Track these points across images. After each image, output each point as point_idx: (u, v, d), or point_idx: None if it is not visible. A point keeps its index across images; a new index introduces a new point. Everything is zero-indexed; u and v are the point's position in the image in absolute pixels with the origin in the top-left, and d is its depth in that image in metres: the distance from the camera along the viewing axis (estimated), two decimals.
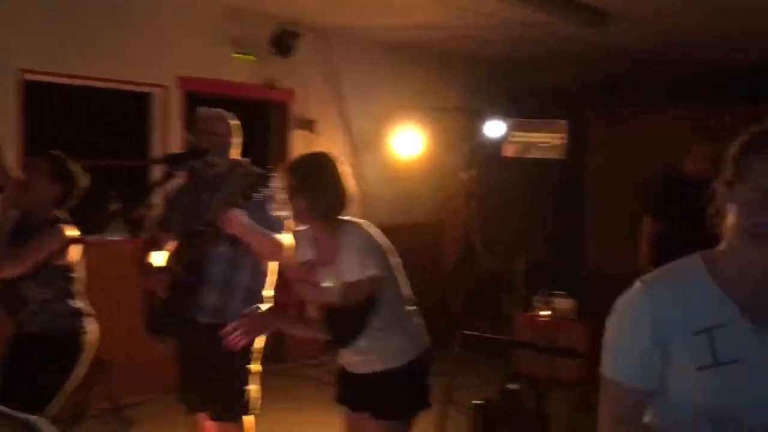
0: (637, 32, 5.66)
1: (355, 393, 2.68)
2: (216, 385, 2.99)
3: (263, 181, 2.71)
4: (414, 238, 6.70)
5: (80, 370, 3.16)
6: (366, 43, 6.42)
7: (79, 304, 3.16)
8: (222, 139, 3.08)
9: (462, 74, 7.19)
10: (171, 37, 5.22)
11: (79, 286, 3.19)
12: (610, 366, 1.45)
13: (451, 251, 6.78)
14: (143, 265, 3.09)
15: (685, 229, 4.10)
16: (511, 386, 3.22)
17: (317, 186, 2.50)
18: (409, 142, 6.38)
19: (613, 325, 1.46)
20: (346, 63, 6.24)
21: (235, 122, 3.17)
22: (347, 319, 2.48)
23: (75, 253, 3.13)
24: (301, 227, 2.67)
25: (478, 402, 3.26)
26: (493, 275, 5.70)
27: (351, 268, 2.45)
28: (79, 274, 3.19)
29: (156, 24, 5.15)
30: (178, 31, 5.25)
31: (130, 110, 5.36)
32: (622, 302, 1.46)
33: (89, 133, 5.23)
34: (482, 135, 6.53)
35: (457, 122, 6.84)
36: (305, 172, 2.53)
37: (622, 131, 6.94)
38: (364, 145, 6.31)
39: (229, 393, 3.01)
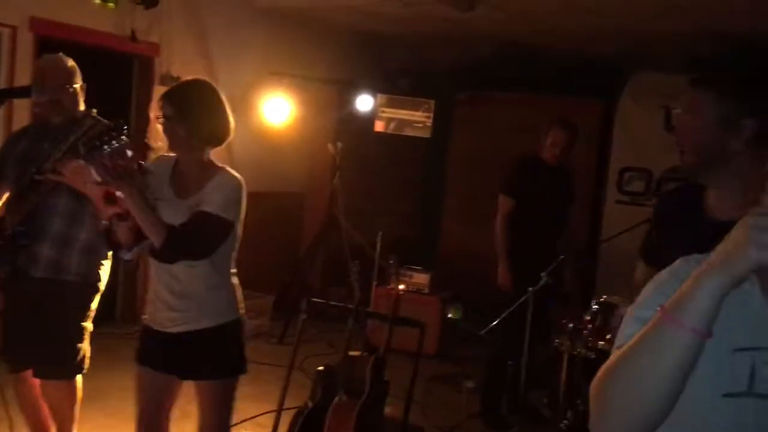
0: (504, 18, 5.86)
1: (163, 353, 2.51)
2: (49, 342, 2.85)
3: (112, 132, 2.55)
4: (278, 206, 6.66)
5: None
6: (237, 3, 6.24)
7: None
8: (61, 88, 2.90)
9: (336, 45, 7.16)
10: None
11: None
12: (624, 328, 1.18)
13: (313, 222, 6.79)
14: None
15: (538, 208, 4.34)
16: (352, 353, 3.29)
17: (199, 112, 2.39)
18: (278, 109, 6.27)
19: (648, 291, 1.21)
20: (215, 21, 6.04)
21: (73, 65, 2.99)
22: (185, 237, 2.34)
23: None
24: (158, 161, 2.54)
25: (320, 368, 3.31)
26: (353, 248, 5.76)
27: (211, 202, 2.37)
28: None
29: None
30: None
31: None
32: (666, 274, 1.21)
33: None
34: (352, 108, 6.56)
35: (328, 93, 6.82)
36: (186, 98, 2.41)
37: (488, 114, 7.19)
38: (232, 108, 6.10)
39: (63, 351, 2.90)
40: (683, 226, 1.70)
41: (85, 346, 2.99)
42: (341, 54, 7.20)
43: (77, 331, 2.94)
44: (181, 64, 5.74)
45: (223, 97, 2.50)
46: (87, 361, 3.01)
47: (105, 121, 2.84)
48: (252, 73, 6.30)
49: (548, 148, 4.37)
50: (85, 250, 2.90)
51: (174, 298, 2.46)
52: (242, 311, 2.60)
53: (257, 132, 6.23)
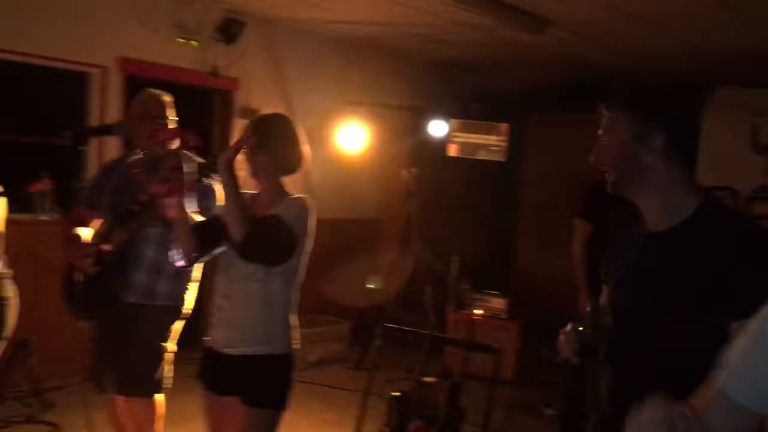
0: (575, 39, 5.81)
1: (220, 374, 2.58)
2: (131, 360, 2.98)
3: (208, 168, 2.70)
4: (354, 232, 6.74)
5: (4, 333, 3.13)
6: (312, 36, 6.42)
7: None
8: (157, 122, 3.07)
9: (408, 72, 7.25)
10: (113, 16, 5.12)
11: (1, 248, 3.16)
12: (732, 383, 1.26)
13: (389, 247, 6.84)
14: (69, 240, 3.03)
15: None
16: (427, 379, 3.28)
17: (278, 144, 2.55)
18: (353, 137, 6.39)
19: (747, 339, 1.28)
20: (291, 54, 6.23)
21: (170, 101, 3.16)
22: (262, 234, 2.42)
23: None
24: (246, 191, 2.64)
25: (395, 393, 3.31)
26: (429, 272, 5.76)
27: (282, 213, 2.49)
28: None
29: (99, 3, 5.05)
30: (120, 11, 5.16)
31: (67, 90, 5.24)
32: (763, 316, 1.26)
33: (23, 111, 5.09)
34: (425, 134, 6.60)
35: (402, 120, 6.90)
36: (268, 129, 2.56)
37: (561, 136, 7.11)
38: (308, 138, 6.27)
39: (144, 369, 3.01)
40: (625, 245, 1.83)
41: (167, 366, 3.10)
42: (414, 81, 7.29)
43: (158, 351, 3.06)
44: (259, 96, 5.94)
45: (299, 130, 2.62)
46: (168, 381, 3.12)
47: (196, 157, 2.99)
48: (327, 103, 6.44)
49: None
50: (174, 276, 3.04)
51: (231, 318, 2.53)
52: (296, 347, 2.61)
53: (333, 160, 6.36)
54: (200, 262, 2.65)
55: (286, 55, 6.20)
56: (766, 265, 1.57)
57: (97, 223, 3.09)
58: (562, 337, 1.84)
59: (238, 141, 2.46)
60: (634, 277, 1.75)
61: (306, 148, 2.62)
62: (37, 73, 5.00)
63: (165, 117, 3.11)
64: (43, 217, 4.94)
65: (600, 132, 1.79)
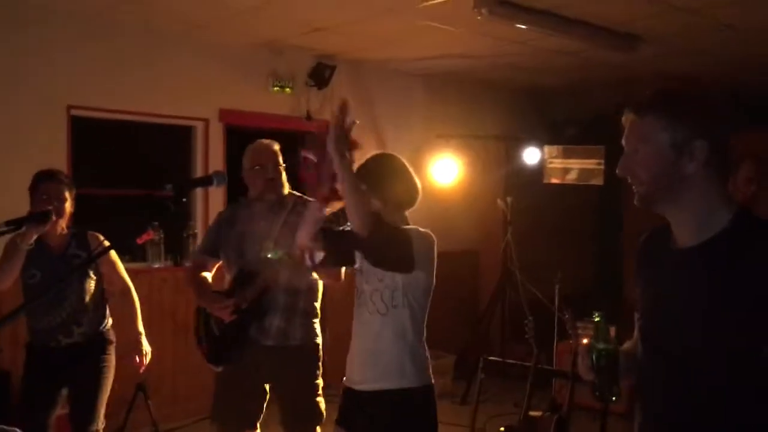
0: (667, 54, 5.64)
1: (353, 413, 2.58)
2: (292, 401, 3.13)
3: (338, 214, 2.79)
4: (453, 265, 6.71)
5: (112, 360, 3.37)
6: (400, 73, 6.52)
7: (107, 315, 3.41)
8: (276, 168, 3.22)
9: (498, 101, 7.23)
10: (212, 72, 5.40)
11: (108, 296, 3.40)
12: None
13: (489, 279, 6.76)
14: (202, 290, 3.20)
15: None
16: (533, 413, 3.20)
17: (387, 182, 2.55)
18: (446, 169, 6.42)
19: None
20: (380, 93, 6.35)
21: (279, 149, 3.30)
22: (387, 234, 2.39)
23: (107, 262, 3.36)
24: None
25: (502, 429, 3.24)
26: (532, 302, 5.65)
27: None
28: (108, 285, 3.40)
29: (198, 60, 5.34)
30: (219, 66, 5.44)
31: (174, 143, 5.54)
32: None
33: (134, 166, 5.42)
34: (519, 162, 6.54)
35: (494, 149, 6.86)
36: (373, 171, 2.56)
37: None
38: None
39: (304, 407, 3.15)
40: (652, 265, 1.68)
41: (321, 399, 3.24)
42: (505, 109, 7.25)
43: (312, 388, 3.21)
44: (352, 136, 6.06)
45: (405, 162, 2.63)
46: (323, 412, 3.25)
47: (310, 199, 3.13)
48: (418, 137, 6.51)
49: (741, 185, 3.96)
50: (304, 316, 3.18)
51: (364, 353, 2.55)
52: (431, 379, 2.57)
53: (427, 194, 6.29)
54: (329, 267, 2.73)
55: (376, 93, 6.33)
56: None
57: (215, 267, 3.30)
58: (579, 355, 1.75)
59: (337, 122, 2.38)
60: (669, 303, 1.60)
61: (416, 179, 2.62)
62: (146, 130, 5.33)
63: (277, 164, 3.23)
64: (156, 265, 5.20)
65: (627, 139, 1.65)
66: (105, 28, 4.86)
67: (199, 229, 5.45)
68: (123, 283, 3.46)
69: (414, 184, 2.60)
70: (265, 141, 3.33)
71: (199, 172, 5.44)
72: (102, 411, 3.27)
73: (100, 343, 3.36)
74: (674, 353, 1.56)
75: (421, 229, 2.54)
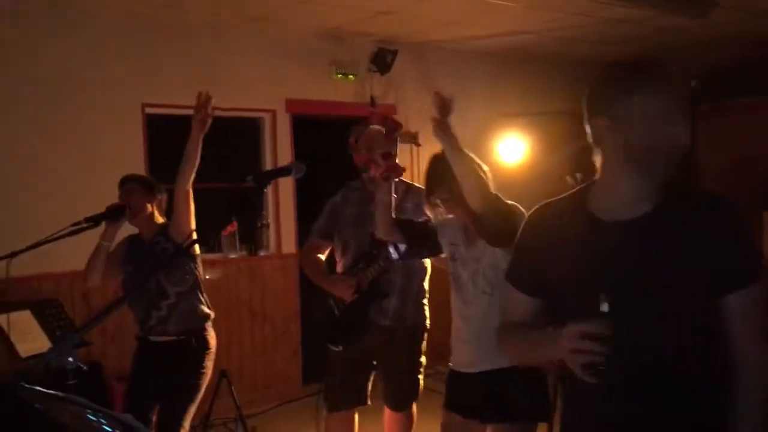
0: (744, 17, 5.40)
1: (466, 396, 2.64)
2: (399, 379, 3.24)
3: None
4: None
5: (209, 371, 3.39)
6: (462, 53, 6.47)
7: (204, 306, 3.40)
8: (378, 153, 3.23)
9: (564, 76, 7.08)
10: (277, 63, 5.49)
11: (203, 289, 3.43)
12: None
13: None
14: (321, 271, 3.30)
15: None
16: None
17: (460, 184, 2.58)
18: (512, 148, 6.35)
19: None
20: (443, 74, 6.31)
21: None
22: (503, 215, 2.44)
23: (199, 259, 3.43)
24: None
25: None
26: None
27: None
28: (202, 276, 3.44)
29: (263, 52, 5.43)
30: (283, 57, 5.52)
31: (244, 135, 5.66)
32: None
33: (208, 159, 5.55)
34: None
35: (562, 126, 6.74)
36: (445, 166, 2.56)
37: (735, 124, 6.60)
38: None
39: (408, 384, 3.27)
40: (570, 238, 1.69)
41: (421, 378, 3.37)
42: (571, 84, 7.06)
43: (417, 366, 3.33)
44: (416, 119, 6.06)
45: (473, 156, 2.64)
46: (420, 391, 3.39)
47: (416, 184, 3.27)
48: (483, 117, 6.44)
49: None
50: (417, 297, 3.28)
51: (473, 335, 2.58)
52: None
53: (493, 173, 6.32)
54: (411, 258, 2.88)
55: (439, 75, 6.30)
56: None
57: (327, 249, 3.38)
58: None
59: (440, 103, 2.46)
60: (617, 272, 1.57)
61: (483, 168, 2.65)
62: (217, 124, 5.45)
63: (391, 148, 3.21)
64: (232, 256, 5.35)
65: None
66: (173, 26, 4.99)
67: (272, 219, 5.57)
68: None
69: (484, 173, 2.66)
70: (373, 126, 3.36)
71: (268, 163, 5.55)
72: (188, 421, 3.30)
73: (197, 348, 3.35)
74: (635, 316, 1.51)
75: (515, 204, 2.57)
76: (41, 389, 1.32)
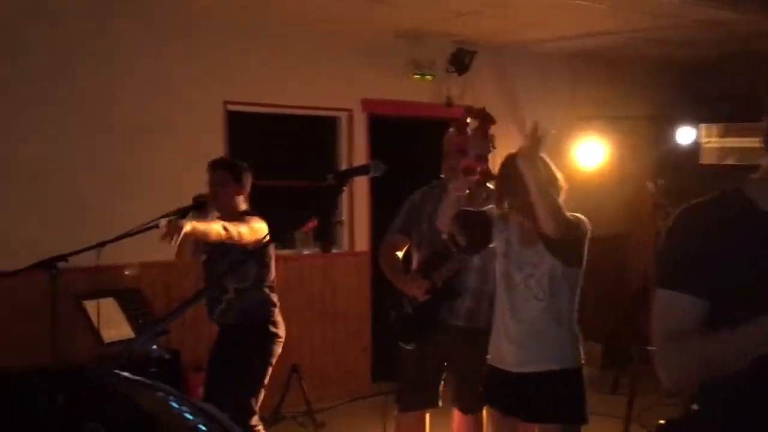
0: None
1: (508, 394, 2.65)
2: (471, 380, 3.14)
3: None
4: (600, 250, 6.49)
5: (273, 359, 3.48)
6: (541, 55, 6.37)
7: (271, 294, 3.51)
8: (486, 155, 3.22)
9: (646, 80, 6.89)
10: (355, 63, 5.54)
11: (272, 278, 3.52)
12: None
13: (639, 264, 6.49)
14: (397, 269, 3.32)
15: None
16: (695, 407, 3.03)
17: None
18: (590, 152, 6.22)
19: None
20: (521, 76, 6.24)
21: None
22: (574, 237, 2.48)
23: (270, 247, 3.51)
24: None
25: (661, 422, 3.10)
26: None
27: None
28: (273, 267, 3.52)
29: (341, 52, 5.49)
30: (361, 57, 5.56)
31: (321, 133, 5.74)
32: None
33: (285, 157, 5.67)
34: (671, 142, 6.21)
35: (643, 130, 6.56)
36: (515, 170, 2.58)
37: None
38: (544, 155, 6.23)
39: (478, 388, 3.19)
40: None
41: None
42: (654, 88, 6.90)
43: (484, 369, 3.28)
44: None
45: (546, 159, 2.61)
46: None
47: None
48: (561, 120, 6.32)
49: None
50: (491, 298, 3.15)
51: (520, 336, 2.59)
52: (584, 361, 2.64)
53: (571, 177, 6.17)
54: (470, 254, 2.86)
55: (517, 76, 6.23)
56: None
57: (405, 246, 3.39)
58: None
59: (535, 133, 2.46)
60: None
61: (556, 172, 2.65)
62: (293, 122, 5.56)
63: (484, 150, 3.20)
64: (306, 252, 5.43)
65: None
66: (254, 26, 5.10)
67: (345, 217, 5.63)
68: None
69: (556, 179, 2.66)
70: (476, 127, 3.38)
71: (344, 161, 5.61)
72: (256, 405, 3.41)
73: (262, 333, 3.48)
74: None
75: (579, 216, 2.57)
76: (128, 375, 1.37)
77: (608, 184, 6.40)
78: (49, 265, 2.99)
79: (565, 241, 2.46)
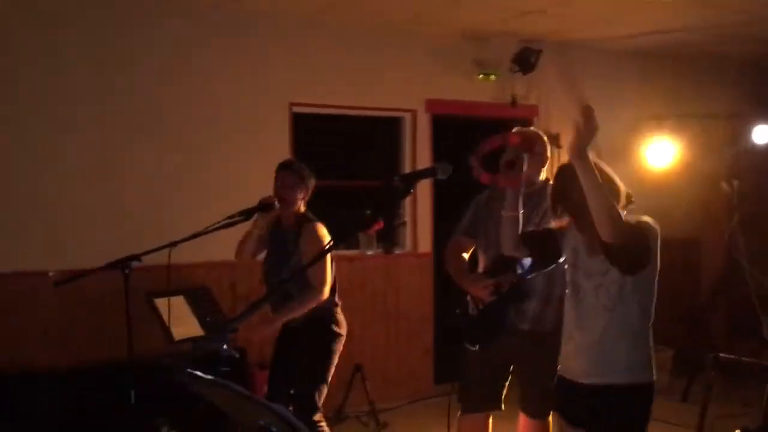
0: None
1: (574, 404, 2.59)
2: (539, 384, 3.12)
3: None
4: (671, 253, 6.30)
5: (335, 357, 3.50)
6: (609, 53, 6.22)
7: (333, 294, 3.53)
8: (539, 157, 3.21)
9: (721, 77, 6.66)
10: (418, 64, 5.53)
11: (333, 279, 3.54)
12: None
13: (711, 268, 6.27)
14: (463, 271, 3.30)
15: None
16: None
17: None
18: (661, 151, 6.04)
19: None
20: (588, 74, 6.10)
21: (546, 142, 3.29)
22: (633, 244, 2.35)
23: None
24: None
25: (737, 431, 2.99)
26: (762, 296, 5.16)
27: None
28: (333, 268, 3.54)
29: (404, 53, 5.49)
30: (424, 57, 5.55)
31: (384, 134, 5.75)
32: None
33: (348, 157, 5.70)
34: (747, 142, 5.98)
35: (717, 129, 6.33)
36: (572, 181, 2.43)
37: None
38: (612, 156, 6.03)
39: (549, 392, 3.08)
40: None
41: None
42: (729, 85, 6.66)
43: (555, 372, 3.19)
44: (558, 121, 5.91)
45: (602, 165, 2.50)
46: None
47: None
48: (630, 119, 6.17)
49: None
50: (559, 302, 3.07)
51: (587, 347, 2.52)
52: (654, 376, 2.52)
53: (641, 177, 6.05)
54: (536, 273, 2.81)
55: (584, 75, 6.10)
56: None
57: (471, 248, 3.37)
58: None
59: (586, 123, 2.25)
60: None
61: (618, 183, 2.51)
62: (356, 123, 5.59)
63: (536, 153, 3.17)
64: (369, 253, 5.45)
65: None
66: (318, 28, 5.16)
67: (409, 218, 5.62)
68: (312, 280, 3.44)
69: (617, 190, 2.50)
70: (529, 130, 3.34)
71: (407, 162, 5.61)
72: (320, 402, 3.43)
73: (325, 332, 3.51)
74: None
75: (647, 219, 2.46)
76: (201, 374, 1.39)
77: (680, 185, 6.21)
78: (123, 264, 3.09)
79: (624, 249, 2.33)
